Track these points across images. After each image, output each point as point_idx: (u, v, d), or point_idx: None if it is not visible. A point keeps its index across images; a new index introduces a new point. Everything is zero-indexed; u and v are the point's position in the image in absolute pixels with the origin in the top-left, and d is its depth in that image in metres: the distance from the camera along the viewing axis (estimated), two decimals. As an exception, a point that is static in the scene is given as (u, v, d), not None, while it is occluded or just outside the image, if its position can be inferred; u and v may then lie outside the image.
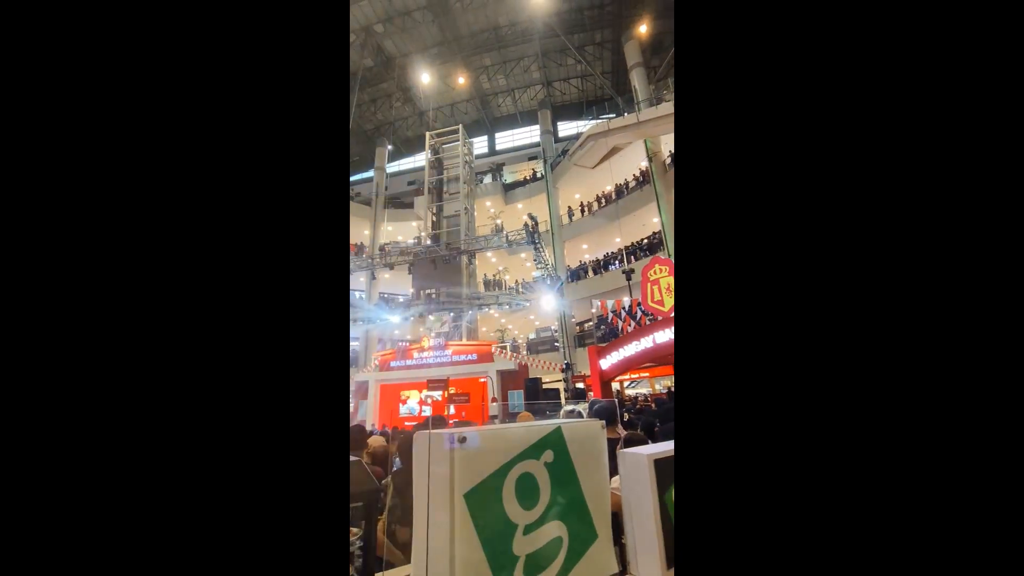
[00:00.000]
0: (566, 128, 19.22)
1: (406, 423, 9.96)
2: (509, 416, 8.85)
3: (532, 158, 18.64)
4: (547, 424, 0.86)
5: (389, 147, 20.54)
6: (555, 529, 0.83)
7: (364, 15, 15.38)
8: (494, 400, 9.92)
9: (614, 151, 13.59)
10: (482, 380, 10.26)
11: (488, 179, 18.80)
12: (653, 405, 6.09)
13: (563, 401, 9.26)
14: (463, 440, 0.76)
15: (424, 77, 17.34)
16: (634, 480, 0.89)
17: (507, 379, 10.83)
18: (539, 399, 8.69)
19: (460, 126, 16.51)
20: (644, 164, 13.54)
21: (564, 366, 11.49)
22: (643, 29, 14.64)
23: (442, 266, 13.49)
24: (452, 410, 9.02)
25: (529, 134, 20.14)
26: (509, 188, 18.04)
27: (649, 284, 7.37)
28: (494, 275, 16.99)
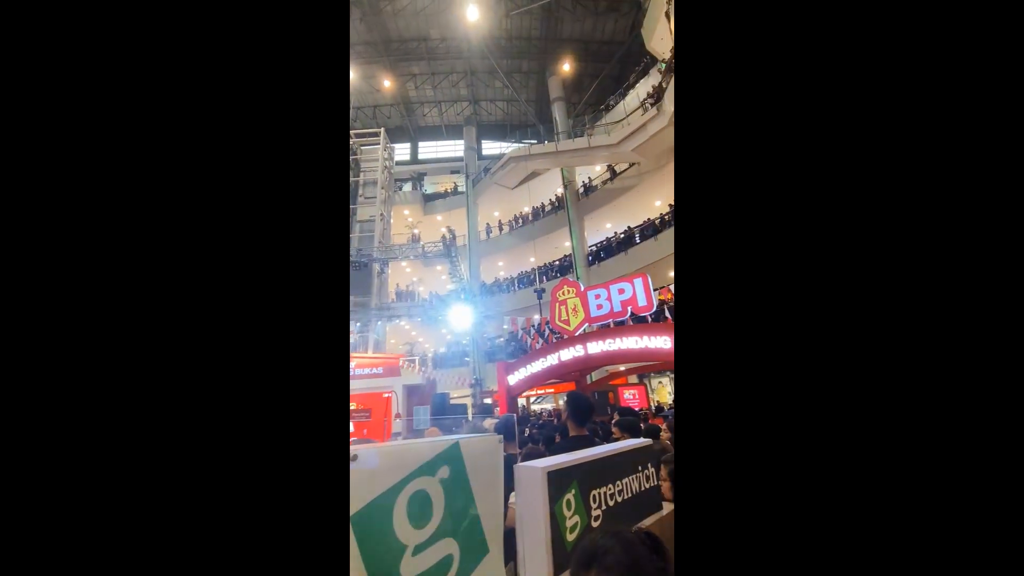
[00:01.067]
0: (490, 147, 19.66)
1: (295, 442, 8.96)
2: (413, 433, 8.51)
3: (455, 171, 18.66)
4: (444, 440, 0.86)
5: (300, 140, 18.96)
6: (446, 547, 0.83)
7: (282, -4, 14.16)
8: (398, 416, 9.47)
9: (533, 175, 14.28)
10: (386, 395, 9.74)
11: (408, 187, 18.34)
12: (555, 420, 6.35)
13: (470, 416, 9.20)
14: (354, 459, 0.72)
15: (346, 73, 16.49)
16: (528, 492, 0.93)
17: (414, 394, 10.44)
18: (446, 415, 8.51)
19: (382, 129, 15.94)
20: (560, 191, 14.39)
21: (473, 381, 11.45)
22: (566, 68, 15.78)
23: (352, 272, 12.71)
24: (352, 427, 8.38)
25: (453, 148, 20.19)
26: (429, 199, 17.79)
27: (557, 304, 7.75)
28: (407, 286, 16.44)
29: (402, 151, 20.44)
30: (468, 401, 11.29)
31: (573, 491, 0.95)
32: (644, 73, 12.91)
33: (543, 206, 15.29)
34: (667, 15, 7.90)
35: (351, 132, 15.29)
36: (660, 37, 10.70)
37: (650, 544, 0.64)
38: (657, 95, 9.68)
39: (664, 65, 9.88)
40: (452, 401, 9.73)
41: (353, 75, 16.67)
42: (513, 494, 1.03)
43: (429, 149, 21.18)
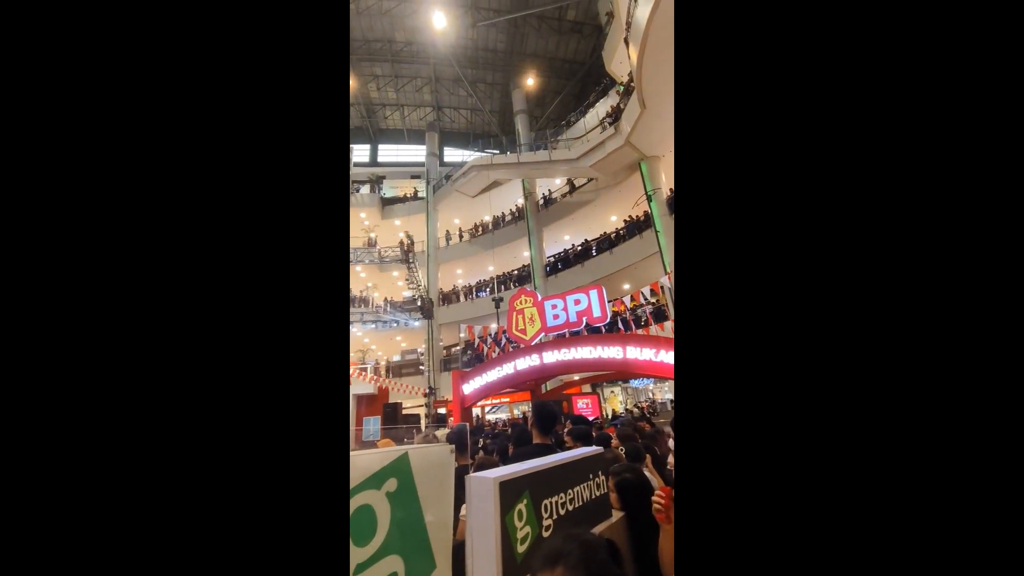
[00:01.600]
0: (452, 155, 19.59)
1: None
2: (362, 444, 8.15)
3: (415, 176, 18.38)
4: (393, 451, 0.82)
5: (249, 133, 17.94)
6: (391, 564, 0.79)
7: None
8: (346, 427, 9.03)
9: (495, 184, 14.38)
10: (334, 405, 9.27)
11: (365, 189, 17.82)
12: (509, 430, 6.33)
13: (423, 427, 8.97)
14: (292, 472, 0.67)
15: (303, 68, 15.85)
16: (479, 503, 0.91)
17: (365, 404, 10.04)
18: (398, 425, 8.24)
19: (340, 129, 15.44)
20: (520, 202, 14.58)
21: (427, 390, 11.20)
22: (530, 82, 16.13)
23: (300, 275, 12.06)
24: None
25: (414, 152, 19.92)
26: (388, 203, 17.37)
27: (515, 313, 7.79)
28: (361, 291, 15.88)
29: (361, 152, 19.91)
30: (422, 411, 11.01)
31: (525, 501, 0.94)
32: (603, 93, 13.47)
33: (503, 216, 15.40)
34: (625, 41, 8.32)
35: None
36: (619, 61, 11.23)
37: (608, 548, 0.65)
38: (615, 115, 10.12)
39: (622, 87, 10.37)
40: (404, 411, 9.45)
41: (311, 71, 16.04)
42: (464, 507, 1.00)
43: (389, 152, 20.76)
